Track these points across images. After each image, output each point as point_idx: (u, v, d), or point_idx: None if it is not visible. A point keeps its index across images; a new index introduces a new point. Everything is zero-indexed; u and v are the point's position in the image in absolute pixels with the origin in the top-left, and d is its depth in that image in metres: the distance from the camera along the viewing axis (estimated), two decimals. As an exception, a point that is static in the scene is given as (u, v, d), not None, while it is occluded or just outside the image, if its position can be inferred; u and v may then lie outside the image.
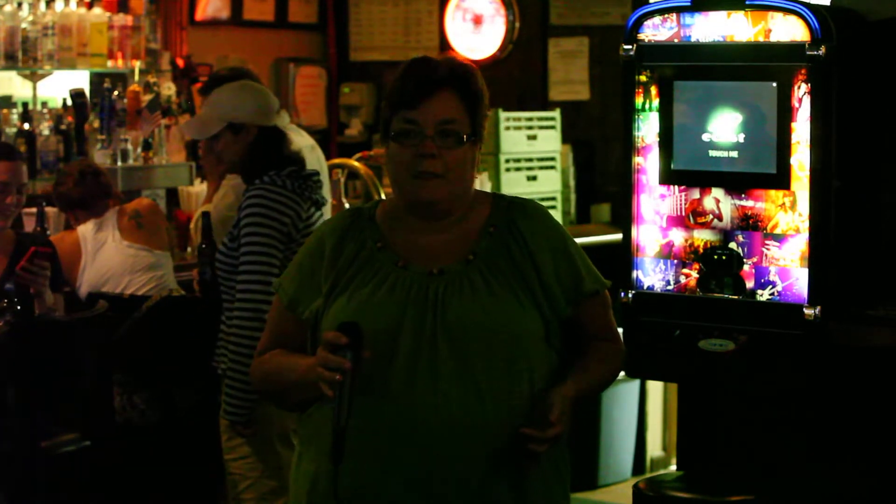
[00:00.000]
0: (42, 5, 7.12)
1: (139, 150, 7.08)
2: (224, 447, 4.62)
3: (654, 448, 7.05)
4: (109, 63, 7.33)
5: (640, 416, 6.97)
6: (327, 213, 5.84)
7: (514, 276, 2.98)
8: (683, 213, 4.43)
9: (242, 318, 4.47)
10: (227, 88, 4.91)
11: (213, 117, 4.72)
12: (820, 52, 4.15)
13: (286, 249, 4.51)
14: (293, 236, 4.53)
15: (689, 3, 4.37)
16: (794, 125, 4.23)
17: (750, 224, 4.31)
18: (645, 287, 4.49)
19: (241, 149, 4.68)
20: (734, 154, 4.34)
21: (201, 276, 4.98)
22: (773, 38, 4.25)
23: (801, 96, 4.21)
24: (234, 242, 4.56)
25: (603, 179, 7.97)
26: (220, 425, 4.63)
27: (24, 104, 6.90)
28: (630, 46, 4.45)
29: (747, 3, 4.27)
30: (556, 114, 7.73)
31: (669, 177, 4.44)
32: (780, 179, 4.26)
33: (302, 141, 5.74)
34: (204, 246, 4.96)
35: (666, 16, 4.41)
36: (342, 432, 2.82)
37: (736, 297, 4.33)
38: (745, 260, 4.32)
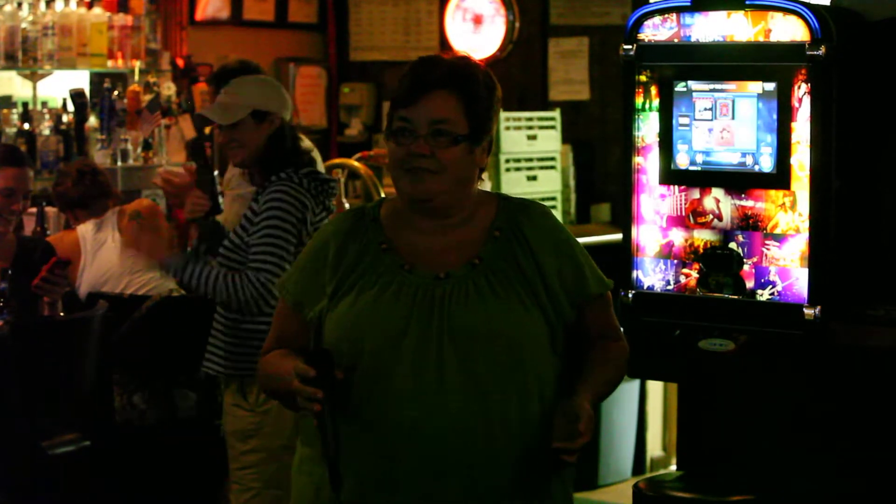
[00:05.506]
0: (42, 5, 7.12)
1: (139, 150, 7.08)
2: (230, 456, 4.55)
3: (654, 448, 7.05)
4: (109, 63, 7.34)
5: (640, 416, 6.96)
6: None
7: (519, 280, 2.97)
8: (683, 213, 4.43)
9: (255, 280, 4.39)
10: (250, 79, 4.86)
11: (237, 104, 4.58)
12: (820, 52, 4.15)
13: (297, 245, 4.42)
14: (301, 238, 4.46)
15: (689, 3, 4.37)
16: (794, 125, 4.22)
17: (750, 224, 4.31)
18: (645, 287, 4.49)
19: (262, 138, 4.56)
20: (734, 154, 4.34)
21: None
22: (773, 38, 4.25)
23: (801, 96, 4.20)
24: (241, 240, 4.47)
25: (603, 179, 7.96)
26: (226, 434, 4.55)
27: (24, 104, 6.91)
28: (630, 46, 4.45)
29: (747, 3, 4.26)
30: (556, 114, 7.72)
31: (669, 177, 4.44)
32: (780, 179, 4.25)
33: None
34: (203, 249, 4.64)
35: (666, 16, 4.41)
36: (335, 461, 2.84)
37: (736, 297, 4.33)
38: (745, 260, 4.32)
